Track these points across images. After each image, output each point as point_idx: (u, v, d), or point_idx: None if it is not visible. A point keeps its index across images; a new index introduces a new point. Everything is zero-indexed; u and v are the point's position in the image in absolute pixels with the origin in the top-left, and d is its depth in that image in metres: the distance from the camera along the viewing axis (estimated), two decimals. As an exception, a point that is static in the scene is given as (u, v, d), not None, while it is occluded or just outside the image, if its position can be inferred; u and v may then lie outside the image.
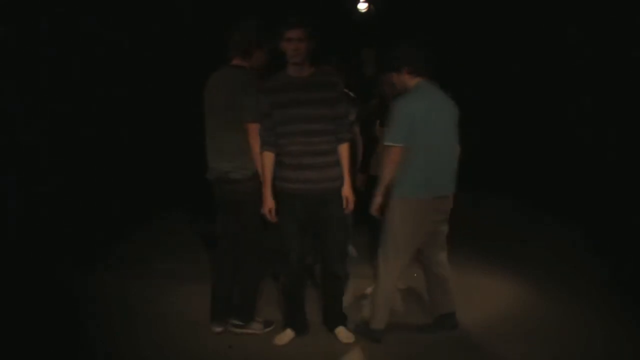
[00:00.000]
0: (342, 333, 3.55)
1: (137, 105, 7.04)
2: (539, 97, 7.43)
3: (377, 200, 3.40)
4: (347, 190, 3.36)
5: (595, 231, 5.44)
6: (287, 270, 3.51)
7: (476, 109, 7.87)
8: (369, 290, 4.11)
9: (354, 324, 3.64)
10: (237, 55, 3.44)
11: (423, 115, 3.28)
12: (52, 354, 3.33)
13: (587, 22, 6.36)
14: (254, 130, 3.31)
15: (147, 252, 5.21)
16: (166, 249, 5.31)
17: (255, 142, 3.32)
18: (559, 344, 3.46)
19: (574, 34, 6.59)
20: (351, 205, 3.38)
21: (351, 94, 4.17)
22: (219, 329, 3.59)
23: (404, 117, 3.27)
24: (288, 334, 3.56)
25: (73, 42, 6.04)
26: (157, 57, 7.12)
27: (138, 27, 6.72)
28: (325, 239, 3.45)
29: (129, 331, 3.62)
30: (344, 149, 3.35)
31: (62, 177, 5.90)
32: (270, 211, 3.35)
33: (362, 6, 7.62)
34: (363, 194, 3.88)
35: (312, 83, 3.28)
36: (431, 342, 3.51)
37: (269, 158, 3.32)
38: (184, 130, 5.72)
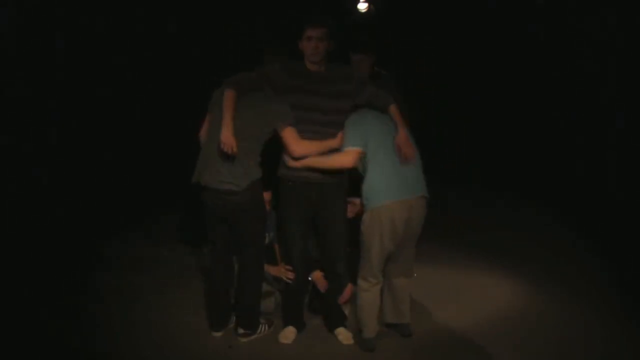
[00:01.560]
0: (342, 334, 3.54)
1: (137, 105, 7.05)
2: (539, 97, 7.43)
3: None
4: None
5: (595, 231, 5.44)
6: (289, 267, 3.56)
7: (476, 109, 7.90)
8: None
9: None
10: None
11: (374, 122, 3.32)
12: (52, 355, 3.33)
13: (588, 22, 6.36)
14: (292, 134, 3.25)
15: (147, 252, 5.20)
16: (166, 249, 5.31)
17: (296, 145, 3.25)
18: (559, 344, 3.46)
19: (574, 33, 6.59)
20: None
21: None
22: (219, 334, 3.56)
23: (358, 123, 3.32)
24: (291, 331, 3.55)
25: (72, 41, 6.04)
26: (157, 57, 7.12)
27: (138, 26, 6.72)
28: (327, 235, 3.45)
29: (129, 331, 3.62)
30: None
31: (63, 177, 5.90)
32: None
33: (362, 6, 7.61)
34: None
35: (330, 77, 3.32)
36: (429, 343, 3.51)
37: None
38: (184, 130, 5.71)
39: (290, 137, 3.26)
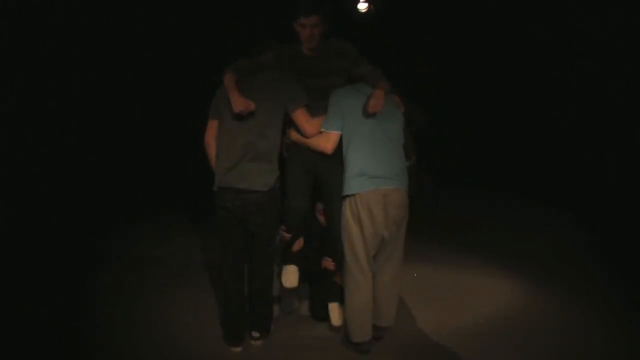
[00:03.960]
0: (334, 312, 3.53)
1: (137, 105, 7.05)
2: (539, 97, 7.43)
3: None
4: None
5: (596, 231, 5.44)
6: (288, 220, 3.47)
7: (476, 109, 7.90)
8: None
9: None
10: None
11: (351, 105, 3.26)
12: (53, 355, 3.33)
13: (588, 22, 6.36)
14: (304, 115, 3.24)
15: (147, 252, 5.20)
16: (166, 249, 5.31)
17: (308, 125, 3.24)
18: (559, 344, 3.46)
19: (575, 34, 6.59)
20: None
21: None
22: (239, 349, 3.39)
23: (335, 107, 3.27)
24: (293, 272, 3.51)
25: (72, 41, 6.04)
26: (157, 57, 7.12)
27: (138, 26, 6.72)
28: (330, 203, 3.40)
29: (129, 331, 3.62)
30: None
31: (63, 177, 5.90)
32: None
33: (362, 6, 7.61)
34: None
35: (325, 56, 3.30)
36: (428, 343, 3.51)
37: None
38: (184, 130, 5.71)
39: (302, 118, 3.25)
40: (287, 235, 3.53)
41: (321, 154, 3.30)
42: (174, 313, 3.89)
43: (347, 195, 3.21)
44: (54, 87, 5.88)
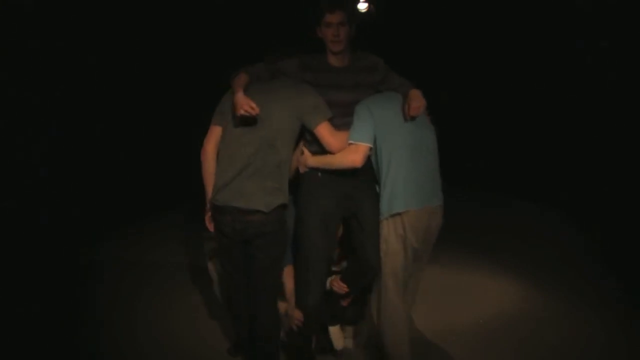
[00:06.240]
0: (336, 335, 3.34)
1: (136, 107, 7.06)
2: (540, 97, 7.43)
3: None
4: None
5: (596, 231, 5.44)
6: (304, 271, 2.99)
7: (477, 109, 7.90)
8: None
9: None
10: None
11: (384, 114, 2.92)
12: (53, 354, 3.33)
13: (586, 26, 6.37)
14: (329, 128, 2.84)
15: (147, 253, 5.21)
16: (166, 249, 5.31)
17: (333, 139, 2.83)
18: (559, 344, 3.46)
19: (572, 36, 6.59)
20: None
21: None
22: None
23: (365, 117, 2.90)
24: None
25: (73, 41, 6.05)
26: (160, 58, 7.12)
27: (137, 27, 6.72)
28: (361, 231, 2.98)
29: (129, 329, 3.63)
30: None
31: (62, 179, 5.91)
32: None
33: (362, 6, 7.61)
34: None
35: (354, 68, 3.00)
36: (428, 343, 3.51)
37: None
38: (182, 132, 5.72)
39: (327, 131, 2.84)
40: (300, 322, 3.03)
41: (350, 176, 2.92)
42: (173, 310, 3.90)
43: (391, 215, 2.87)
44: (53, 87, 5.89)
